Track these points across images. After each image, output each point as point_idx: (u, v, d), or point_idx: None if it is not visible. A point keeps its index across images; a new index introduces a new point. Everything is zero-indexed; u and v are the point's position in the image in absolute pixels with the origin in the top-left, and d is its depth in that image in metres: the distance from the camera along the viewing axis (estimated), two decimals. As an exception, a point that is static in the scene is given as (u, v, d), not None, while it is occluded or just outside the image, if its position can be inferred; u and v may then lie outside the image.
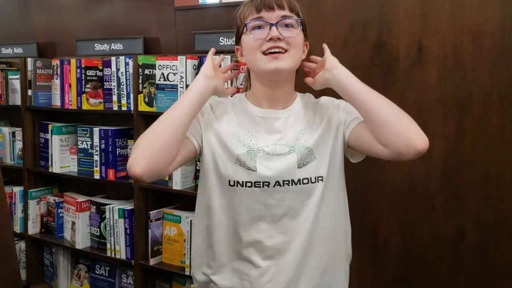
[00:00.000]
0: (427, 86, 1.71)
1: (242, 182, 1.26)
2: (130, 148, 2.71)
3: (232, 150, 1.27)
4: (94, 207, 2.79)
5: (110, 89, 2.68)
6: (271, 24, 1.23)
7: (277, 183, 1.25)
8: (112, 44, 2.87)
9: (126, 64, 2.59)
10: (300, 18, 1.27)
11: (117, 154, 2.69)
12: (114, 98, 2.65)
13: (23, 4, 3.36)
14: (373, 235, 1.83)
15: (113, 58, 2.64)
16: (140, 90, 2.52)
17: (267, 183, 1.25)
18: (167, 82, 2.42)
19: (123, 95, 2.60)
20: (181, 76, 2.37)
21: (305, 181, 1.26)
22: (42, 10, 3.28)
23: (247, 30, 1.26)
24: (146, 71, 2.52)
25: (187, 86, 2.36)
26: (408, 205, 1.76)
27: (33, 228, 3.06)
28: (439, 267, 1.73)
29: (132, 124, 2.58)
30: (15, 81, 3.13)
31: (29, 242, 3.09)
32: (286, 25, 1.25)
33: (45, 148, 2.98)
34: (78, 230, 2.81)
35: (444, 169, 1.71)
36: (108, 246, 2.69)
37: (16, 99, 3.13)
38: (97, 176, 2.72)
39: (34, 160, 3.08)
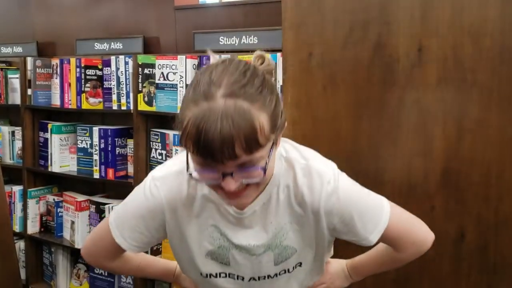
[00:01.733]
0: (427, 86, 1.71)
1: (216, 273, 1.12)
2: (129, 148, 2.71)
3: (204, 245, 1.09)
4: (94, 206, 2.79)
5: (110, 89, 2.68)
6: (224, 175, 0.87)
7: (252, 279, 1.13)
8: (112, 44, 2.87)
9: (126, 63, 2.59)
10: (264, 168, 0.88)
11: (117, 153, 2.69)
12: (114, 97, 2.65)
13: (23, 3, 3.35)
14: (372, 235, 1.83)
15: (112, 58, 2.65)
16: (140, 89, 2.52)
17: (241, 278, 1.12)
18: (167, 82, 2.42)
19: (122, 95, 2.60)
20: (180, 76, 2.37)
21: (282, 272, 1.13)
22: (42, 9, 3.28)
23: (188, 161, 0.93)
24: (146, 71, 2.52)
25: (186, 85, 2.36)
26: (408, 206, 1.75)
27: (33, 228, 3.06)
28: (439, 268, 1.73)
29: (132, 123, 2.58)
30: (15, 80, 3.13)
31: (28, 242, 3.09)
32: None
33: (44, 147, 2.98)
34: (78, 229, 2.81)
35: (444, 170, 1.71)
36: (108, 245, 2.68)
37: (15, 98, 3.13)
38: (96, 175, 2.72)
39: (33, 159, 3.08)
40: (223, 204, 1.03)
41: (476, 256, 1.69)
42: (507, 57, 1.59)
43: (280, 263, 1.10)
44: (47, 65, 2.99)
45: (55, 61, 2.89)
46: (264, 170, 0.88)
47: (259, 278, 1.12)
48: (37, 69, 2.97)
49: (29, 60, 2.98)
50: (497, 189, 1.64)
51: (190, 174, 0.93)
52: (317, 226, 1.05)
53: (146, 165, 2.58)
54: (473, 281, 1.69)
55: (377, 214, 1.07)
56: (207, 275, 1.12)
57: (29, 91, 2.99)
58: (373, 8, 1.76)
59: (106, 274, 2.83)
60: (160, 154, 2.51)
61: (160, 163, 2.49)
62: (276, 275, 1.12)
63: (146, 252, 1.50)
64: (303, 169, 1.03)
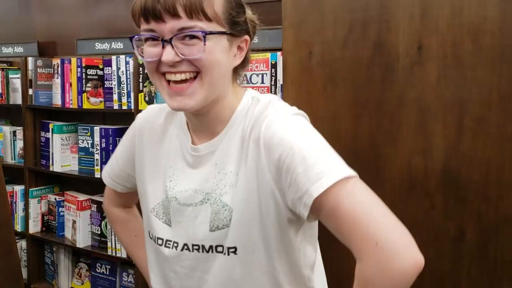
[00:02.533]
0: (426, 84, 1.71)
1: (156, 238, 1.03)
2: (130, 147, 2.72)
3: (151, 195, 1.04)
4: (95, 205, 2.80)
5: (111, 88, 2.68)
6: (163, 41, 0.85)
7: (186, 247, 0.98)
8: (113, 43, 2.87)
9: (127, 63, 2.59)
10: (204, 31, 0.84)
11: (118, 153, 2.69)
12: (115, 97, 2.65)
13: (24, 4, 3.36)
14: (373, 233, 1.84)
15: (113, 57, 2.65)
16: (141, 89, 2.53)
17: (175, 244, 0.99)
18: (168, 81, 2.42)
19: (123, 94, 2.61)
20: (181, 75, 2.37)
21: (217, 250, 0.95)
22: (43, 9, 3.29)
23: (133, 46, 0.94)
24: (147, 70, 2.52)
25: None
26: (408, 204, 1.76)
27: (34, 227, 3.07)
28: (439, 266, 1.73)
29: (133, 123, 2.58)
30: (16, 80, 3.14)
31: (30, 241, 3.09)
32: (190, 37, 0.85)
33: (46, 147, 2.99)
34: (79, 228, 2.82)
35: (444, 168, 1.71)
36: (109, 244, 2.69)
37: (17, 98, 3.14)
38: (97, 175, 2.72)
39: (35, 159, 3.08)
40: (186, 143, 1.00)
41: (476, 254, 1.69)
42: (507, 55, 1.59)
43: (216, 230, 0.94)
44: (48, 65, 3.00)
45: (56, 61, 2.90)
46: (203, 50, 0.85)
47: (192, 247, 0.97)
48: (38, 69, 2.98)
49: (30, 60, 2.99)
50: (497, 187, 1.65)
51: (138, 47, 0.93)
52: (259, 168, 0.90)
53: (147, 165, 2.58)
54: (474, 280, 1.69)
55: (328, 167, 0.83)
56: (151, 234, 1.04)
57: (30, 91, 3.00)
58: (373, 6, 1.76)
59: (107, 273, 2.84)
60: (161, 153, 2.51)
61: (161, 162, 2.50)
62: (211, 249, 0.95)
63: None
64: (264, 103, 0.96)
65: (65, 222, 2.97)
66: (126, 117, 2.73)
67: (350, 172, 0.85)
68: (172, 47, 0.85)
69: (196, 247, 0.97)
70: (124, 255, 2.63)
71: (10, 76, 3.18)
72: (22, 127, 3.08)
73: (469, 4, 1.63)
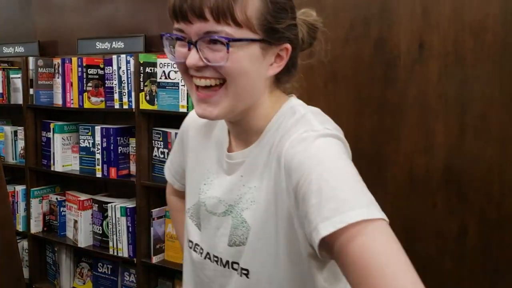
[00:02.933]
0: (428, 82, 1.70)
1: (187, 239, 1.02)
2: (131, 146, 2.72)
3: (187, 198, 1.04)
4: (96, 205, 2.79)
5: (112, 88, 2.68)
6: (190, 43, 0.80)
7: (208, 256, 0.95)
8: (113, 43, 2.87)
9: (127, 62, 2.59)
10: (228, 38, 0.77)
11: (119, 152, 2.69)
12: (116, 96, 2.65)
13: (25, 3, 3.36)
14: (375, 232, 1.83)
15: (114, 57, 2.64)
16: (142, 88, 2.52)
17: (201, 250, 0.97)
18: (168, 80, 2.42)
19: (124, 94, 2.60)
20: (182, 74, 2.37)
21: (235, 266, 0.90)
22: (43, 9, 3.28)
23: (163, 44, 0.88)
24: (147, 69, 2.52)
25: (188, 84, 2.35)
26: (410, 202, 1.76)
27: (36, 227, 3.07)
28: (442, 264, 1.73)
29: (134, 122, 2.58)
30: (17, 80, 3.14)
31: (31, 241, 3.09)
32: (215, 42, 0.79)
33: (47, 147, 2.99)
34: (81, 228, 2.82)
35: (446, 166, 1.70)
36: (111, 244, 2.69)
37: (18, 98, 3.13)
38: (99, 174, 2.72)
39: (36, 159, 3.08)
40: (223, 149, 0.96)
41: (478, 252, 1.68)
42: (508, 52, 1.59)
43: (233, 246, 0.90)
44: (49, 64, 2.99)
45: (57, 61, 2.89)
46: (226, 59, 0.78)
47: (213, 258, 0.94)
48: (39, 68, 2.97)
49: (31, 59, 2.98)
50: (499, 185, 1.64)
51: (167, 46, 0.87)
52: (278, 190, 0.83)
53: (148, 164, 2.58)
54: (476, 278, 1.69)
55: (346, 204, 0.70)
56: (187, 239, 1.02)
57: (31, 91, 3.00)
58: (374, 4, 1.76)
59: (109, 273, 2.84)
60: (162, 152, 2.51)
61: (162, 161, 2.49)
62: (227, 264, 0.91)
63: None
64: (298, 117, 0.88)
65: (66, 221, 2.97)
66: (127, 117, 2.73)
67: (374, 213, 0.71)
68: (197, 50, 0.79)
69: (216, 259, 0.94)
70: (126, 255, 2.63)
71: (11, 76, 3.18)
72: (23, 127, 3.08)
73: (470, 1, 1.62)
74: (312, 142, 0.79)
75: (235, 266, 0.90)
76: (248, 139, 0.91)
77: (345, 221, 0.68)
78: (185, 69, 0.83)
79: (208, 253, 0.95)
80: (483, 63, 1.62)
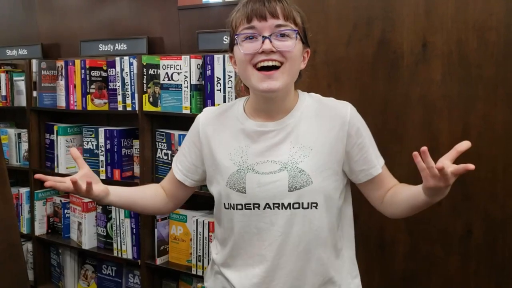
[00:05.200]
0: (432, 82, 1.70)
1: (234, 204, 1.24)
2: (135, 148, 2.72)
3: (223, 172, 1.26)
4: (100, 207, 2.80)
5: (115, 90, 2.68)
6: (264, 37, 1.15)
7: (267, 206, 1.21)
8: (116, 45, 2.87)
9: (131, 64, 2.59)
10: (296, 30, 1.18)
11: (123, 154, 2.70)
12: (119, 98, 2.65)
13: (28, 6, 3.37)
14: (380, 233, 1.83)
15: (117, 59, 2.65)
16: (145, 90, 2.53)
17: (257, 205, 1.22)
18: (172, 82, 2.42)
19: (127, 95, 2.61)
20: (185, 76, 2.37)
21: (296, 206, 1.21)
22: (46, 11, 3.29)
23: (237, 42, 1.18)
24: (151, 71, 2.52)
25: (191, 85, 2.36)
26: (415, 202, 1.75)
27: (40, 229, 3.08)
28: (447, 264, 1.72)
29: (137, 124, 2.58)
30: (20, 83, 3.15)
31: (36, 243, 3.10)
32: (282, 35, 1.16)
33: (50, 149, 2.99)
34: (85, 230, 2.82)
35: (450, 166, 1.70)
36: (115, 246, 2.70)
37: (21, 101, 3.14)
38: (102, 176, 2.72)
39: (40, 161, 3.09)
40: (248, 123, 1.26)
41: (483, 252, 1.68)
42: (512, 52, 1.59)
43: (294, 190, 1.19)
44: (52, 67, 3.00)
45: (60, 63, 2.90)
46: (294, 44, 1.16)
47: (273, 205, 1.20)
48: (42, 71, 2.98)
49: (34, 62, 2.99)
50: (504, 184, 1.64)
51: (235, 44, 1.19)
52: (337, 155, 1.23)
53: (152, 166, 2.58)
54: (481, 278, 1.68)
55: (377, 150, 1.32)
56: (228, 205, 1.25)
57: (35, 93, 3.01)
58: (377, 4, 1.76)
59: (113, 275, 2.84)
60: (166, 154, 2.51)
61: (166, 163, 2.50)
62: (290, 206, 1.19)
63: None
64: (315, 95, 1.32)
65: (70, 224, 2.97)
66: (130, 118, 2.73)
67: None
68: (270, 41, 1.14)
69: (277, 205, 1.20)
70: (130, 257, 2.64)
71: (15, 78, 3.19)
72: (26, 130, 3.09)
73: (474, 1, 1.62)
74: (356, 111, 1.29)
75: (296, 205, 1.19)
76: (283, 113, 1.25)
77: (383, 161, 1.32)
78: (249, 59, 1.16)
79: (267, 204, 1.20)
80: (487, 62, 1.62)
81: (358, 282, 1.36)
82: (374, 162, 1.27)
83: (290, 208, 1.20)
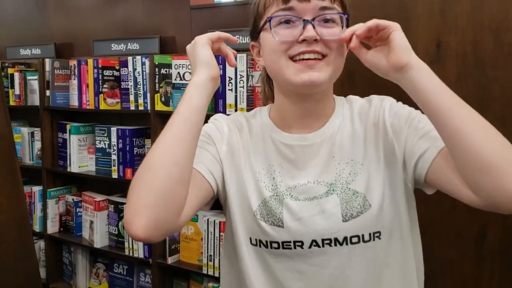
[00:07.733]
0: (446, 83, 1.67)
1: (266, 242, 0.95)
2: (147, 148, 2.72)
3: (250, 197, 0.98)
4: (112, 206, 2.81)
5: (127, 89, 2.69)
6: (306, 21, 0.90)
7: (315, 243, 0.93)
8: (129, 44, 2.88)
9: (143, 63, 2.59)
10: (346, 14, 0.93)
11: (135, 153, 2.70)
12: (131, 97, 2.66)
13: (41, 6, 3.39)
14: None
15: (129, 58, 2.66)
16: (157, 89, 2.53)
17: (300, 244, 0.93)
18: (184, 82, 2.42)
19: (140, 95, 2.61)
20: (197, 75, 2.37)
21: (355, 240, 0.92)
22: (60, 11, 3.31)
23: (270, 26, 0.93)
24: (163, 71, 2.52)
25: (203, 85, 2.35)
26: (429, 205, 1.73)
27: (52, 227, 3.10)
28: (461, 268, 1.70)
29: (149, 123, 2.58)
30: (34, 82, 3.17)
31: (48, 241, 3.12)
32: (326, 20, 0.92)
33: (63, 148, 3.01)
34: (97, 229, 2.83)
35: (465, 168, 1.68)
36: (126, 245, 2.70)
37: (34, 100, 3.16)
38: (115, 175, 2.73)
39: (52, 160, 3.11)
40: (279, 136, 1.01)
41: (498, 256, 1.66)
42: (529, 52, 1.56)
43: (350, 219, 0.92)
44: (65, 66, 3.02)
45: (73, 62, 2.91)
46: (340, 32, 0.92)
47: (323, 242, 0.92)
48: (55, 70, 3.00)
49: (48, 61, 3.01)
50: (519, 187, 1.61)
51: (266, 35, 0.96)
52: (396, 165, 0.95)
53: (164, 165, 2.58)
54: (496, 281, 1.66)
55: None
56: (256, 241, 0.96)
57: (48, 92, 3.02)
58: (392, 4, 1.74)
59: (125, 273, 2.85)
60: (177, 153, 2.51)
61: (178, 162, 2.49)
62: (346, 241, 0.92)
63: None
64: (363, 99, 1.07)
65: (82, 222, 2.99)
66: (142, 118, 2.74)
67: None
68: (313, 26, 0.89)
69: (328, 241, 0.93)
70: (141, 255, 2.64)
71: (28, 77, 3.21)
72: (40, 128, 3.11)
73: (489, 0, 1.59)
74: (393, 102, 1.08)
75: (354, 239, 0.92)
76: (320, 120, 1.01)
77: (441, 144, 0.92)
78: (285, 49, 0.92)
79: (314, 241, 0.93)
80: (503, 63, 1.60)
81: None
82: (434, 133, 0.92)
83: (346, 244, 0.92)
